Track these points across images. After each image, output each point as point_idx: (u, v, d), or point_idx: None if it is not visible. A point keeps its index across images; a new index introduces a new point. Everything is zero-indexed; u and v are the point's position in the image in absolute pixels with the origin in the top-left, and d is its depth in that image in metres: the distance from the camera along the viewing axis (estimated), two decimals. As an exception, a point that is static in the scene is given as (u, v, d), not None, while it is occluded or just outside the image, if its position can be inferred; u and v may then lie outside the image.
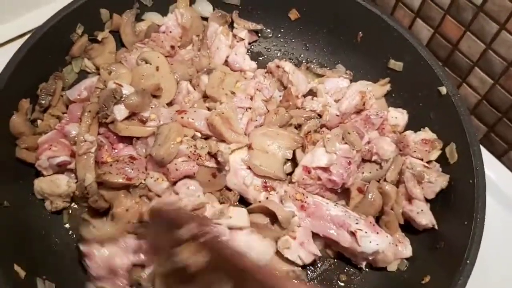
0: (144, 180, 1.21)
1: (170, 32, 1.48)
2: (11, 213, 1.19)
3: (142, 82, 1.33)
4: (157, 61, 1.37)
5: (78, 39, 1.40)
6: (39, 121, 1.32)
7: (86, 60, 1.44)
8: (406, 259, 1.24)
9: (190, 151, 1.21)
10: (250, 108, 1.35)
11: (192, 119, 1.26)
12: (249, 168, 1.26)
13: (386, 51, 1.43)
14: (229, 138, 1.26)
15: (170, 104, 1.36)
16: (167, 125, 1.22)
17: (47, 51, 1.34)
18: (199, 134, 1.27)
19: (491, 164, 1.44)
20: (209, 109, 1.33)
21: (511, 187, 1.44)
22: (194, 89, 1.40)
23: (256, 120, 1.35)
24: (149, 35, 1.47)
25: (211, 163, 1.24)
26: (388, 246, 1.16)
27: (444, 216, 1.21)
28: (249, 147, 1.28)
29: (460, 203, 1.20)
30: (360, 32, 1.47)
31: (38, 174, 1.26)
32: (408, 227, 1.26)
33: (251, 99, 1.37)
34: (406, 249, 1.22)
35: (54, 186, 1.22)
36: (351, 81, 1.47)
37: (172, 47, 1.46)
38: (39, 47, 1.30)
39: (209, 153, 1.23)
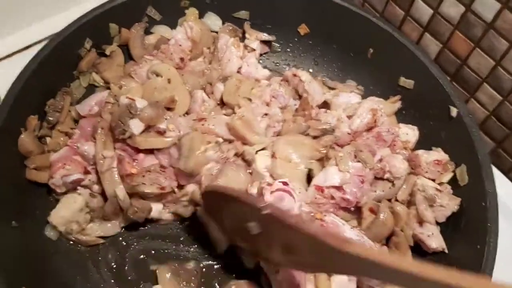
0: (182, 196, 1.25)
1: (180, 45, 1.47)
2: (19, 234, 1.17)
3: (155, 95, 1.33)
4: (168, 73, 1.38)
5: (86, 54, 1.39)
6: (48, 139, 1.30)
7: (94, 74, 1.43)
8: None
9: (218, 156, 1.23)
10: (266, 114, 1.35)
11: (213, 125, 1.28)
12: (272, 176, 1.26)
13: (396, 68, 1.43)
14: (251, 139, 1.29)
15: (186, 114, 1.36)
16: (188, 136, 1.22)
17: (55, 66, 1.32)
18: (221, 140, 1.28)
19: (498, 180, 1.44)
20: (226, 115, 1.35)
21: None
22: (209, 97, 1.41)
23: (274, 127, 1.36)
24: (158, 47, 1.46)
25: (240, 162, 1.26)
26: None
27: (455, 240, 1.21)
28: (273, 155, 1.29)
29: (472, 226, 1.19)
30: (371, 49, 1.47)
31: (50, 191, 1.26)
32: (418, 249, 1.25)
33: (267, 105, 1.38)
34: None
35: (71, 204, 1.22)
36: (362, 96, 1.46)
37: (182, 59, 1.46)
38: (47, 62, 1.29)
39: (235, 154, 1.26)
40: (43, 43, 1.33)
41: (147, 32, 1.49)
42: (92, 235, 1.26)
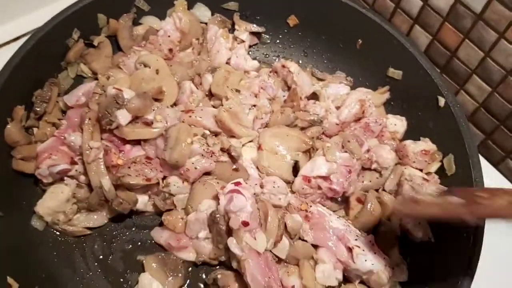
0: (164, 187, 1.23)
1: (169, 36, 1.46)
2: (5, 224, 1.17)
3: (142, 86, 1.32)
4: (157, 64, 1.37)
5: (74, 44, 1.38)
6: (35, 129, 1.30)
7: (82, 65, 1.42)
8: (401, 283, 1.21)
9: (204, 149, 1.22)
10: (255, 105, 1.35)
11: (200, 117, 1.27)
12: (258, 168, 1.27)
13: (385, 59, 1.42)
14: (239, 132, 1.29)
15: (174, 105, 1.35)
16: (175, 127, 1.22)
17: (42, 56, 1.32)
18: (208, 132, 1.28)
19: (487, 172, 1.44)
20: (214, 107, 1.34)
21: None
22: (197, 88, 1.40)
23: (262, 118, 1.35)
24: (147, 38, 1.45)
25: (225, 158, 1.25)
26: (383, 268, 1.15)
27: (443, 229, 1.20)
28: (259, 147, 1.30)
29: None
30: (360, 40, 1.46)
31: (37, 182, 1.25)
32: (406, 239, 1.25)
33: (256, 97, 1.38)
34: (403, 273, 1.19)
35: (58, 194, 1.22)
36: (351, 87, 1.46)
37: (170, 50, 1.45)
38: (34, 52, 1.28)
39: (221, 149, 1.25)
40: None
41: (136, 23, 1.48)
42: (79, 226, 1.25)
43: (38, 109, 1.28)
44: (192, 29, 1.48)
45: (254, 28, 1.53)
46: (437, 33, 1.55)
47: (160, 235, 1.25)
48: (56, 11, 1.35)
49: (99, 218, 1.27)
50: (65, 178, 1.25)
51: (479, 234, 1.11)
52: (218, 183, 1.22)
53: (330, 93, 1.43)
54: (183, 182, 1.23)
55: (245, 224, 1.08)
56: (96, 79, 1.38)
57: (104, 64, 1.41)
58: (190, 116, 1.27)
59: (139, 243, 1.26)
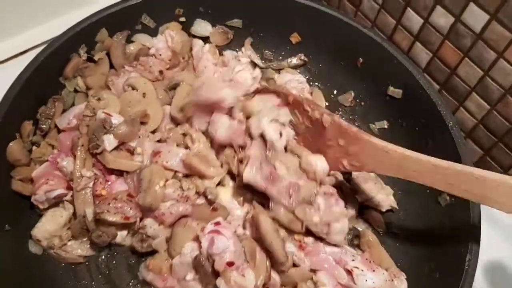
0: (139, 228, 1.22)
1: (160, 55, 1.46)
2: (10, 236, 1.20)
3: (129, 109, 1.32)
4: (144, 87, 1.37)
5: (71, 60, 1.38)
6: (33, 147, 1.30)
7: (79, 79, 1.41)
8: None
9: (178, 194, 1.21)
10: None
11: (167, 162, 1.24)
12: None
13: (385, 77, 1.45)
14: (209, 173, 1.26)
15: (154, 131, 1.35)
16: (148, 169, 1.21)
17: (48, 73, 1.34)
18: (180, 174, 1.26)
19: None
20: (184, 134, 1.32)
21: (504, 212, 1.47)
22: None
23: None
24: (138, 59, 1.45)
25: (201, 200, 1.25)
26: (384, 283, 1.18)
27: (439, 247, 1.23)
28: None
29: (455, 233, 1.21)
30: (361, 58, 1.49)
31: (33, 205, 1.26)
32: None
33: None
34: (402, 284, 1.23)
35: (57, 218, 1.23)
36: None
37: (161, 72, 1.45)
38: (42, 69, 1.31)
39: (197, 192, 1.24)
40: (38, 49, 1.34)
41: (129, 40, 1.49)
42: (72, 253, 1.26)
43: (43, 126, 1.30)
44: (183, 49, 1.50)
45: (257, 60, 1.54)
46: (437, 51, 1.57)
47: (146, 274, 1.23)
48: (62, 26, 1.38)
49: (92, 247, 1.26)
50: (65, 202, 1.26)
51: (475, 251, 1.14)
52: (198, 224, 1.20)
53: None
54: (159, 225, 1.21)
55: (230, 264, 1.09)
56: (87, 95, 1.38)
57: (98, 82, 1.42)
58: (157, 162, 1.24)
59: (143, 258, 1.28)
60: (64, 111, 1.36)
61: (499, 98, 1.47)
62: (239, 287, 1.08)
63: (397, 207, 1.36)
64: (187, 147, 1.30)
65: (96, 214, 1.18)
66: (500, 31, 1.36)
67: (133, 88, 1.37)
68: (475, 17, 1.39)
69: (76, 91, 1.42)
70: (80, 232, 1.23)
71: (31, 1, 1.56)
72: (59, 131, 1.33)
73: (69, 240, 1.26)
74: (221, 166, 1.30)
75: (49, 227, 1.22)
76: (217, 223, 1.15)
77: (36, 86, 1.30)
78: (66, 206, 1.26)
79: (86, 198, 1.21)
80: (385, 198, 1.35)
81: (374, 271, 1.18)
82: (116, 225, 1.21)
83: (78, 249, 1.26)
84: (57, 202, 1.25)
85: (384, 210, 1.35)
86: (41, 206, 1.24)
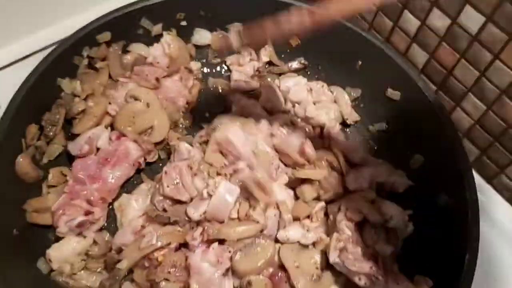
0: None
1: (158, 62, 1.46)
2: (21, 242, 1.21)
3: (133, 120, 1.32)
4: (147, 97, 1.37)
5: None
6: (50, 176, 1.30)
7: (78, 83, 1.40)
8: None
9: None
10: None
11: None
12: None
13: (384, 80, 1.47)
14: None
15: (161, 142, 1.35)
16: None
17: (52, 77, 1.36)
18: None
19: (481, 188, 1.49)
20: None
21: (500, 212, 1.50)
22: None
23: None
24: (132, 69, 1.45)
25: None
26: None
27: (438, 247, 1.25)
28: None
29: (454, 233, 1.23)
30: (359, 61, 1.51)
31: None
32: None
33: None
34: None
35: (73, 244, 1.23)
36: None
37: (157, 79, 1.44)
38: (46, 74, 1.32)
39: None
40: (40, 54, 1.37)
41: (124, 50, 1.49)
42: (80, 282, 1.23)
43: (50, 133, 1.30)
44: (180, 55, 1.49)
45: (256, 64, 1.57)
46: (434, 52, 1.59)
47: None
48: (66, 30, 1.40)
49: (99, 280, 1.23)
50: (86, 231, 1.26)
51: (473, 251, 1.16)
52: None
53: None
54: None
55: None
56: (84, 99, 1.38)
57: (95, 90, 1.41)
58: None
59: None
60: (66, 115, 1.36)
61: (495, 98, 1.49)
62: None
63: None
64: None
65: (150, 280, 1.16)
66: (495, 33, 1.38)
67: (136, 99, 1.36)
68: (471, 19, 1.41)
69: (73, 95, 1.41)
70: (98, 258, 1.23)
71: (37, 3, 1.54)
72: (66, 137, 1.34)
73: (80, 270, 1.24)
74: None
75: (65, 250, 1.22)
76: None
77: (39, 92, 1.31)
78: (87, 234, 1.25)
79: (139, 251, 1.19)
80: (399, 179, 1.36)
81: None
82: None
83: (85, 280, 1.24)
84: (80, 231, 1.25)
85: (401, 190, 1.35)
86: (67, 236, 1.25)
